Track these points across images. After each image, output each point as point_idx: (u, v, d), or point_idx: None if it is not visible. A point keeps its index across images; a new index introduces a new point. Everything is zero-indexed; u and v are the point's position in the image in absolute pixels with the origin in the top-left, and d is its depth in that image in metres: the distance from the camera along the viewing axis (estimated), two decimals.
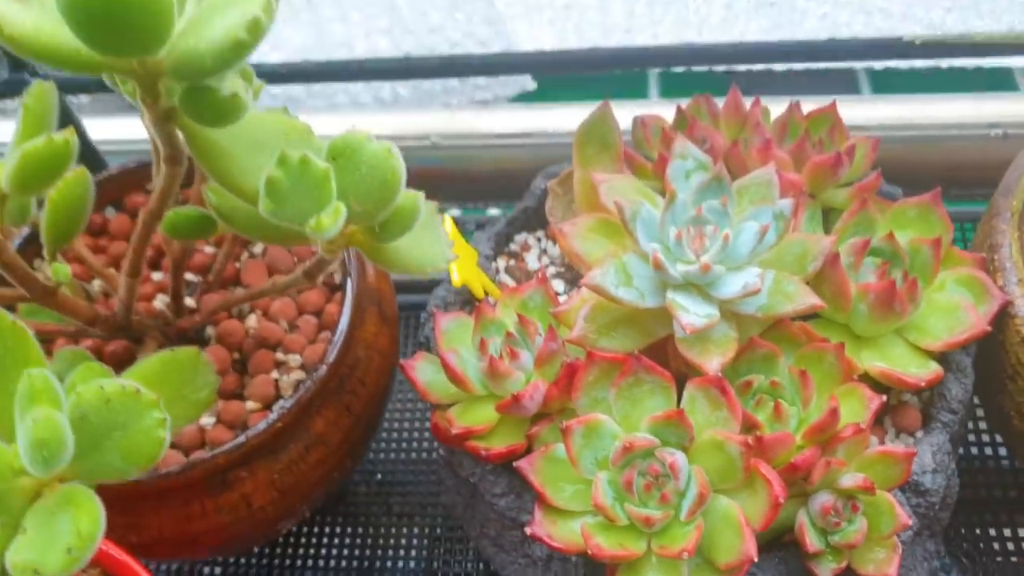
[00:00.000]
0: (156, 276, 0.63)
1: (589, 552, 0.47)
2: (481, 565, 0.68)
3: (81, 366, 0.44)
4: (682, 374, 0.51)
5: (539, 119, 0.76)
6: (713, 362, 0.49)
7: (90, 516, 0.40)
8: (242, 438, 0.53)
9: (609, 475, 0.49)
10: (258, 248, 0.64)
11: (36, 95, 0.53)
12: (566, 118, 0.76)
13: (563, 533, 0.49)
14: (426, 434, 0.76)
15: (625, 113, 0.78)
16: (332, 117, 0.80)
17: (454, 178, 0.76)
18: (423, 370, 0.56)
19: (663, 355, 0.54)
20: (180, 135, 0.45)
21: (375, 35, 0.84)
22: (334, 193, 0.42)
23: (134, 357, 0.59)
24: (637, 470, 0.49)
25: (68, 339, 0.57)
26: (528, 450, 0.52)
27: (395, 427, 0.77)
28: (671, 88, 1.40)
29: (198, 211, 0.52)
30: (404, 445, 0.75)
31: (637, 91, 1.41)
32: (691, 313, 0.50)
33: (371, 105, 0.91)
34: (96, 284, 0.61)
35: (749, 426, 0.50)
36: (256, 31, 0.37)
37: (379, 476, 0.74)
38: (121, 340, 0.56)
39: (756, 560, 0.45)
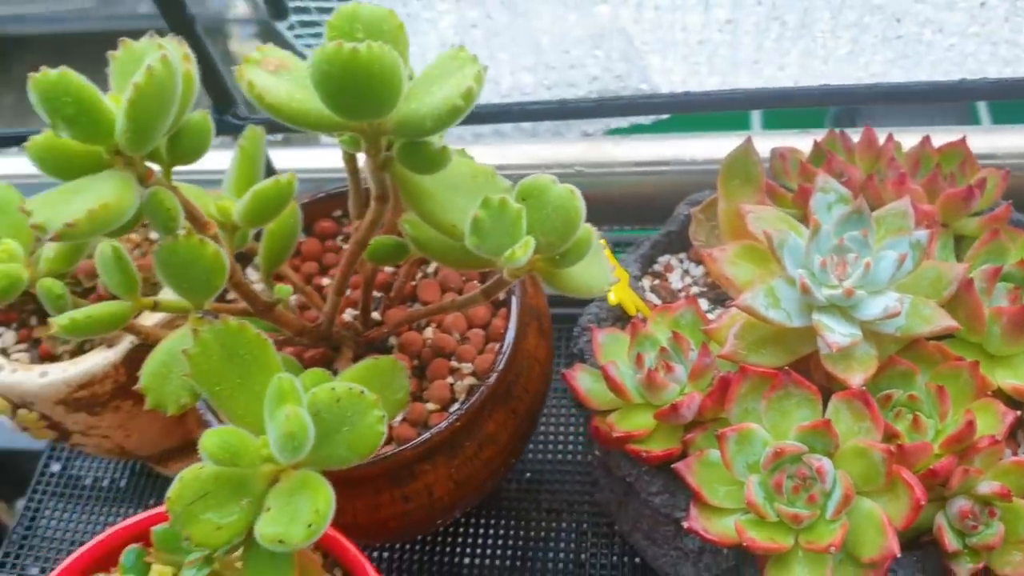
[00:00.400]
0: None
1: (743, 544, 0.53)
2: (626, 558, 0.74)
3: (307, 371, 0.52)
4: (824, 388, 0.56)
5: (673, 148, 0.82)
6: (856, 377, 0.54)
7: (324, 497, 0.48)
8: (427, 435, 0.60)
9: (760, 478, 0.55)
10: (431, 268, 0.72)
11: (250, 138, 0.62)
12: (698, 148, 0.82)
13: (717, 528, 0.55)
14: (571, 437, 0.83)
15: (730, 143, 0.84)
16: (481, 148, 0.88)
17: (594, 202, 0.82)
18: (582, 379, 0.63)
19: (805, 371, 0.59)
20: (388, 179, 0.52)
21: (520, 72, 0.91)
22: (524, 229, 0.49)
23: (329, 363, 0.67)
24: (786, 473, 0.54)
25: (276, 346, 0.65)
26: (683, 454, 0.58)
27: (542, 431, 0.83)
28: (771, 120, 1.44)
29: (395, 240, 0.59)
30: (551, 447, 0.82)
31: (741, 122, 1.46)
32: (836, 333, 0.55)
33: (514, 135, 0.98)
34: (292, 299, 0.70)
35: (889, 436, 0.54)
36: (469, 99, 0.45)
37: (528, 475, 0.81)
38: (320, 348, 0.65)
39: (898, 556, 0.50)
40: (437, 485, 0.62)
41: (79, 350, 0.74)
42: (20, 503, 0.92)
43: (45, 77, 0.43)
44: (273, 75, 0.46)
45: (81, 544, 0.82)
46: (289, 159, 0.91)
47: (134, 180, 0.47)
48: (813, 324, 0.56)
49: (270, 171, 0.86)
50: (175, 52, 0.45)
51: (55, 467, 0.90)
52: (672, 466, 0.56)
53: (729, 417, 0.57)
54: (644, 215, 0.82)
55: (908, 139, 0.69)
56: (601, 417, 0.61)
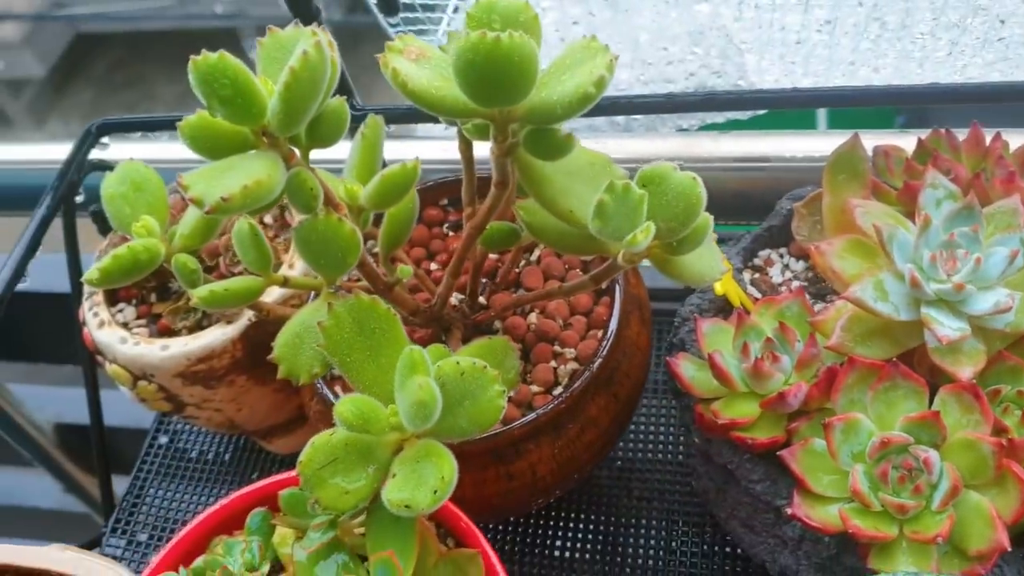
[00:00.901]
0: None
1: (849, 532, 0.54)
2: (718, 547, 0.75)
3: (430, 347, 0.55)
4: (929, 383, 0.57)
5: (771, 145, 0.83)
6: (965, 371, 0.55)
7: (448, 465, 0.50)
8: (533, 415, 0.62)
9: (865, 467, 0.56)
10: (534, 256, 0.74)
11: (372, 127, 0.65)
12: (797, 145, 0.83)
13: (820, 515, 0.56)
14: (661, 427, 0.84)
15: (828, 141, 0.84)
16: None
17: None
18: (686, 367, 0.64)
19: (909, 365, 0.60)
20: (511, 165, 0.55)
21: (618, 69, 0.92)
22: (645, 214, 0.51)
23: (437, 343, 0.70)
24: (892, 464, 0.55)
25: None
26: (787, 443, 0.59)
27: (632, 420, 0.85)
28: (837, 120, 1.43)
29: (509, 226, 0.62)
30: (642, 436, 0.84)
31: (808, 121, 1.45)
32: (945, 326, 0.55)
33: (606, 129, 1.00)
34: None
35: (998, 430, 0.55)
36: (601, 86, 0.47)
37: (619, 463, 0.83)
38: (431, 328, 0.67)
39: (1008, 550, 0.51)
40: (540, 464, 0.64)
41: (196, 327, 0.77)
42: (124, 484, 0.97)
43: (205, 60, 0.47)
44: (415, 63, 0.49)
45: (187, 515, 0.87)
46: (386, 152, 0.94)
47: (280, 160, 0.50)
48: (921, 318, 0.57)
49: None
50: (323, 38, 0.47)
51: (163, 439, 0.94)
52: (777, 453, 0.58)
53: (835, 407, 0.58)
54: (742, 210, 0.83)
55: (1012, 140, 0.69)
56: (705, 405, 0.62)
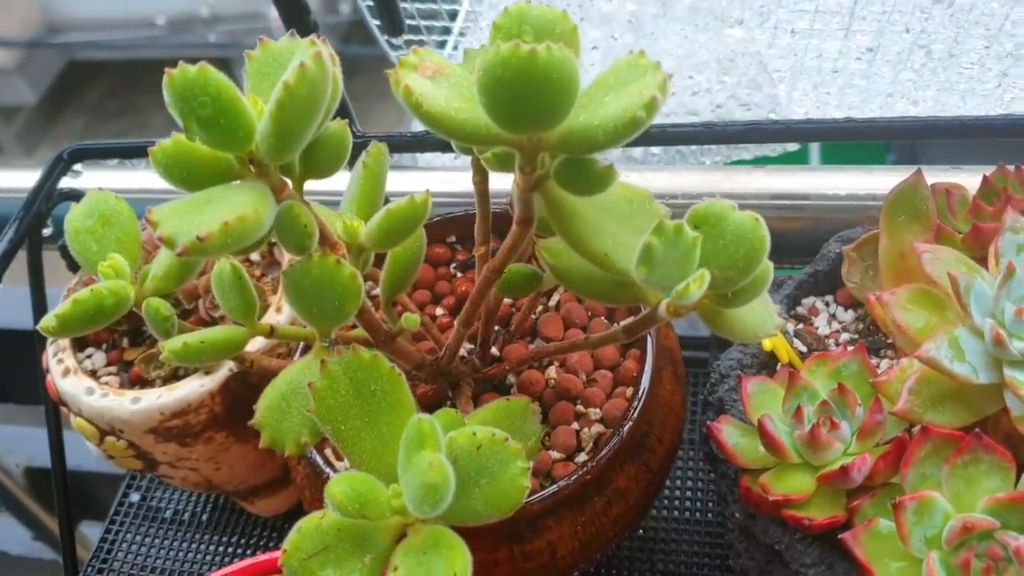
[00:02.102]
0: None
1: None
2: None
3: (439, 412, 0.47)
4: (1014, 456, 0.50)
5: (812, 181, 0.76)
6: None
7: (461, 559, 0.42)
8: (555, 488, 0.54)
9: (942, 555, 0.48)
10: (552, 301, 0.66)
11: (374, 155, 0.57)
12: (840, 181, 0.76)
13: None
14: (689, 491, 0.76)
15: (873, 178, 0.77)
16: None
17: None
18: (729, 433, 0.56)
19: (985, 433, 0.52)
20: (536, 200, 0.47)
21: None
22: (697, 260, 0.43)
23: (443, 401, 0.62)
24: (974, 552, 0.47)
25: None
26: (847, 523, 0.51)
27: None
28: (829, 154, 1.36)
29: (531, 269, 0.54)
30: (667, 502, 0.76)
31: (801, 157, 1.38)
32: None
33: (621, 161, 0.93)
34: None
35: None
36: (652, 109, 0.39)
37: (641, 531, 0.75)
38: (436, 385, 0.59)
39: None
40: (561, 543, 0.56)
41: (173, 376, 0.69)
42: (91, 528, 0.88)
43: (182, 74, 0.39)
44: (431, 81, 0.42)
45: None
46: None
47: (268, 192, 0.43)
48: (1005, 380, 0.49)
49: None
50: (324, 50, 0.40)
51: (134, 497, 0.85)
52: (839, 536, 0.50)
53: (903, 483, 0.50)
54: (779, 252, 0.75)
55: None
56: (752, 477, 0.55)
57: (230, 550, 0.80)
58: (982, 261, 0.56)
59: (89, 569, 0.81)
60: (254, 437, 0.56)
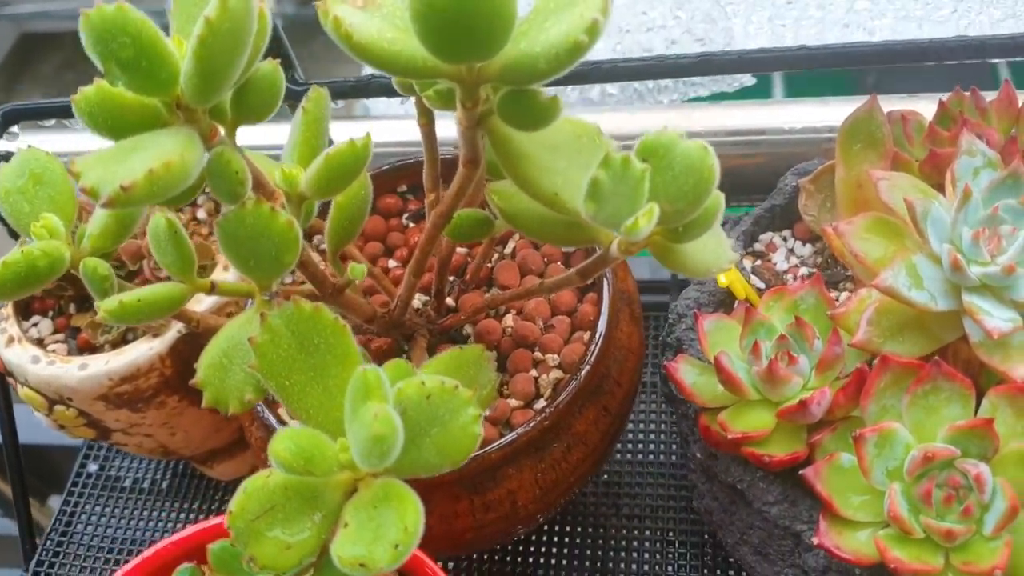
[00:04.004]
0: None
1: (889, 565, 0.45)
2: (719, 571, 0.67)
3: (388, 363, 0.45)
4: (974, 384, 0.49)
5: (767, 116, 0.75)
6: (1020, 369, 0.47)
7: (413, 511, 0.41)
8: (512, 435, 0.54)
9: (903, 486, 0.48)
10: (508, 249, 0.65)
11: (314, 100, 0.55)
12: (795, 115, 0.74)
13: (851, 544, 0.48)
14: (652, 435, 0.76)
15: (827, 110, 0.76)
16: None
17: None
18: (687, 372, 0.56)
19: (945, 361, 0.52)
20: (482, 139, 0.46)
21: None
22: (646, 194, 0.42)
23: (399, 354, 0.60)
24: (935, 482, 0.47)
25: None
26: (808, 458, 0.51)
27: None
28: (791, 90, 1.34)
29: (481, 214, 0.53)
30: (631, 446, 0.75)
31: (762, 91, 1.36)
32: (993, 317, 0.48)
33: (577, 105, 0.91)
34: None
35: None
36: (594, 33, 0.38)
37: (605, 477, 0.74)
38: (390, 337, 0.58)
39: None
40: (521, 492, 0.55)
41: (122, 340, 0.67)
42: (55, 502, 0.86)
43: (100, 13, 0.37)
44: (362, 11, 0.40)
45: (120, 552, 0.77)
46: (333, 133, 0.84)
47: (197, 138, 0.41)
48: (964, 307, 0.49)
49: None
50: None
51: (92, 467, 0.83)
52: (799, 472, 0.49)
53: (864, 415, 0.50)
54: (737, 189, 0.74)
55: None
56: (710, 415, 0.54)
57: (191, 516, 0.79)
58: (940, 188, 0.55)
59: (48, 542, 0.79)
60: None
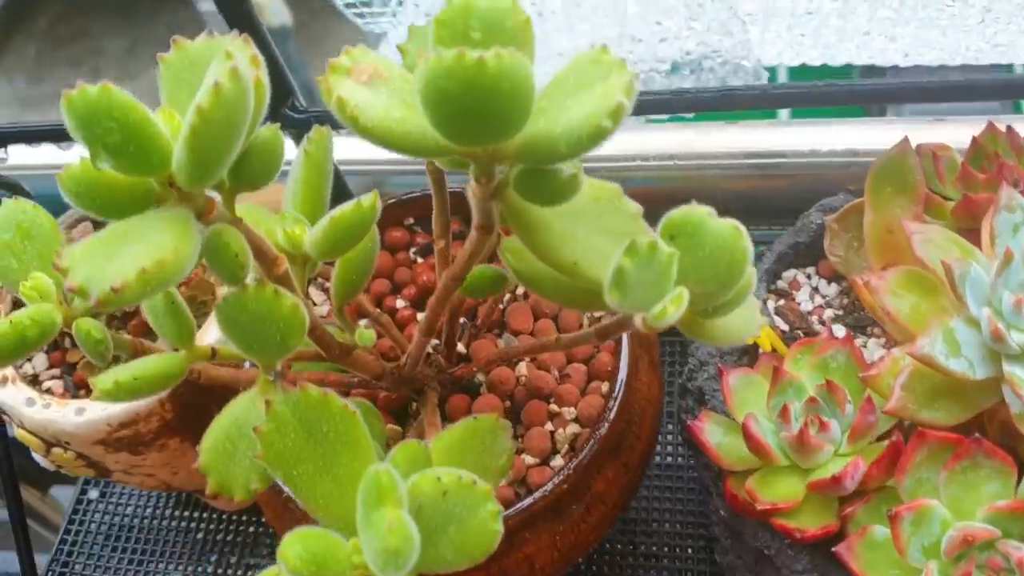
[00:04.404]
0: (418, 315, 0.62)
1: None
2: None
3: (399, 447, 0.43)
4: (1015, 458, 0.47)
5: (789, 137, 0.71)
6: None
7: None
8: (529, 500, 0.51)
9: (940, 565, 0.45)
10: (520, 289, 0.62)
11: (317, 142, 0.52)
12: (821, 137, 0.71)
13: None
14: (669, 471, 0.73)
15: (855, 132, 0.73)
16: None
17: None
18: (712, 432, 0.53)
19: (979, 428, 0.50)
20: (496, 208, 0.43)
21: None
22: (674, 278, 0.39)
23: (406, 406, 0.58)
24: (975, 563, 0.45)
25: (345, 390, 0.56)
26: (841, 532, 0.49)
27: None
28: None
29: (495, 271, 0.50)
30: (646, 482, 0.73)
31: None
32: None
33: None
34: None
35: None
36: (619, 117, 0.34)
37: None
38: (400, 392, 0.55)
39: None
40: (539, 555, 0.53)
41: None
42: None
43: (83, 96, 0.34)
44: (367, 88, 0.37)
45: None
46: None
47: (192, 219, 0.38)
48: (1004, 376, 0.46)
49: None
50: (243, 57, 0.35)
51: (93, 493, 0.82)
52: (833, 549, 0.47)
53: (899, 489, 0.47)
54: (756, 214, 0.71)
55: None
56: (737, 481, 0.52)
57: (194, 545, 0.77)
58: (974, 233, 0.53)
59: (52, 567, 0.77)
60: None
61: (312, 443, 0.41)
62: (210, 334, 0.64)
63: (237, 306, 0.40)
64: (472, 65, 0.32)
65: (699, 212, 0.40)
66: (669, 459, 0.74)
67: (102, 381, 0.44)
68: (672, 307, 0.38)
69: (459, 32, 0.37)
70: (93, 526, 0.80)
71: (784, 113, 0.88)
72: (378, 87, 0.37)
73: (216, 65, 0.35)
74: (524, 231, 0.42)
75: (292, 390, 0.40)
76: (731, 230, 0.39)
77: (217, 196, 0.41)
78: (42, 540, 0.84)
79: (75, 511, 0.81)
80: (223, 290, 0.67)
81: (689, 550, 0.69)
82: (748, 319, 0.45)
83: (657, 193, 0.62)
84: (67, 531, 0.80)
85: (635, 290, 0.38)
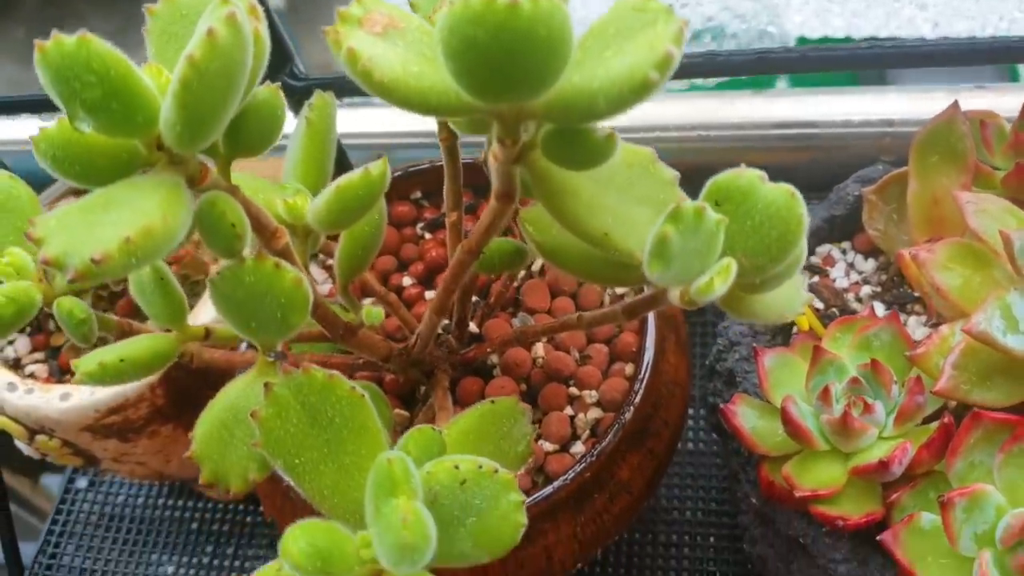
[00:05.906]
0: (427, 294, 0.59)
1: None
2: None
3: (411, 433, 0.39)
4: None
5: (820, 107, 0.67)
6: None
7: None
8: (549, 489, 0.48)
9: (995, 554, 0.42)
10: (536, 265, 0.58)
11: (319, 109, 0.48)
12: (853, 106, 0.67)
13: None
14: (691, 456, 0.70)
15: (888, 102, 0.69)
16: None
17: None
18: (746, 416, 0.50)
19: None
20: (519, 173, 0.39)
21: None
22: (720, 247, 0.35)
23: (414, 390, 0.54)
24: None
25: (350, 371, 0.52)
26: (885, 519, 0.45)
27: None
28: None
29: (514, 244, 0.46)
30: (669, 469, 0.69)
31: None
32: None
33: None
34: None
35: None
36: (666, 68, 0.31)
37: None
38: (409, 375, 0.52)
39: None
40: (558, 547, 0.50)
41: None
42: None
43: (58, 47, 0.30)
44: (381, 39, 0.33)
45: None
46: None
47: (183, 185, 0.34)
48: None
49: None
50: (241, 5, 0.31)
51: (82, 482, 0.78)
52: (878, 538, 0.44)
53: (949, 473, 0.44)
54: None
55: None
56: (772, 466, 0.48)
57: (188, 536, 0.73)
58: None
59: (38, 561, 0.74)
60: None
61: (316, 429, 0.37)
62: (204, 314, 0.61)
63: (233, 281, 0.36)
64: (504, 8, 0.28)
65: (749, 176, 0.36)
66: (691, 445, 0.70)
67: (85, 362, 0.40)
68: (719, 279, 0.35)
69: None
70: (83, 515, 0.76)
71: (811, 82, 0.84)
72: (393, 39, 0.33)
73: (210, 12, 0.31)
74: (550, 198, 0.39)
75: (294, 372, 0.37)
76: (785, 196, 0.35)
77: (211, 163, 0.37)
78: (33, 529, 0.80)
79: (63, 500, 0.77)
80: (217, 268, 0.63)
81: (712, 539, 0.66)
82: (792, 296, 0.42)
83: (679, 167, 0.58)
84: (55, 520, 0.76)
85: (678, 260, 0.34)
